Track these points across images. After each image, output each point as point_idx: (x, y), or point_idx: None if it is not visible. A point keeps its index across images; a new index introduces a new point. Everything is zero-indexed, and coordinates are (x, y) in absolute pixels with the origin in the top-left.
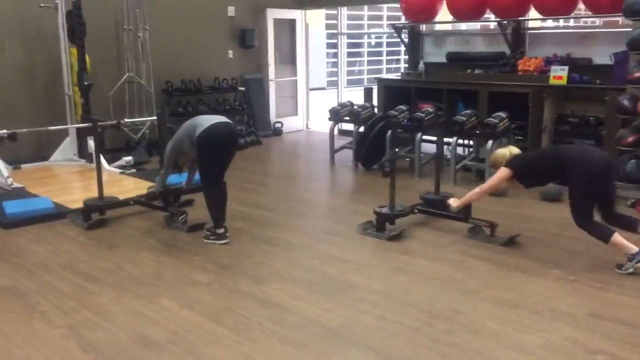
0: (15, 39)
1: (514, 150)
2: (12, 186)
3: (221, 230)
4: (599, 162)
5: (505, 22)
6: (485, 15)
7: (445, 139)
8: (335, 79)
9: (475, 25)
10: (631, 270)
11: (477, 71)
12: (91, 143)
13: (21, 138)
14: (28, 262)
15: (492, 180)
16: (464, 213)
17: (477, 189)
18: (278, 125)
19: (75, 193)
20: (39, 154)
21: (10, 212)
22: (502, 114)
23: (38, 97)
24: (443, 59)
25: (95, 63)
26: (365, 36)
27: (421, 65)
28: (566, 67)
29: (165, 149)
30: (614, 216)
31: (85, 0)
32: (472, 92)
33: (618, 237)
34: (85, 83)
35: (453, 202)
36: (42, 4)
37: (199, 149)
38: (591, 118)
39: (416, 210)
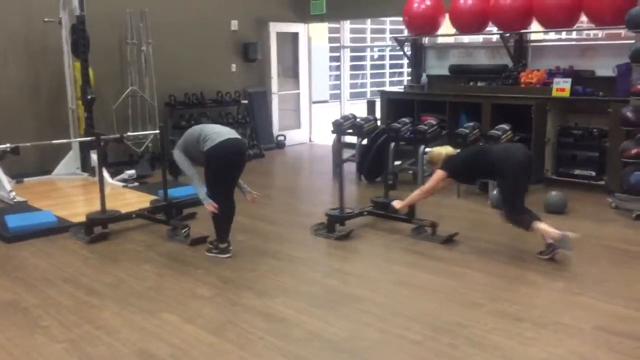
0: (20, 54)
1: (449, 149)
2: (15, 200)
3: (224, 245)
4: (524, 158)
5: (508, 34)
6: (488, 28)
7: None
8: (338, 92)
9: (478, 38)
10: (545, 257)
11: (479, 84)
12: (94, 157)
13: (25, 152)
14: (30, 276)
15: (430, 182)
16: (409, 215)
17: (418, 190)
18: (281, 138)
19: (77, 207)
20: (42, 168)
21: (13, 226)
22: (506, 126)
23: (42, 111)
24: (446, 72)
25: (99, 77)
26: (368, 49)
27: (424, 78)
28: (569, 79)
29: (175, 160)
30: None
31: (89, 15)
32: (475, 105)
33: (538, 224)
34: (89, 97)
35: (397, 204)
36: (46, 19)
37: (209, 163)
38: (595, 130)
39: (365, 213)
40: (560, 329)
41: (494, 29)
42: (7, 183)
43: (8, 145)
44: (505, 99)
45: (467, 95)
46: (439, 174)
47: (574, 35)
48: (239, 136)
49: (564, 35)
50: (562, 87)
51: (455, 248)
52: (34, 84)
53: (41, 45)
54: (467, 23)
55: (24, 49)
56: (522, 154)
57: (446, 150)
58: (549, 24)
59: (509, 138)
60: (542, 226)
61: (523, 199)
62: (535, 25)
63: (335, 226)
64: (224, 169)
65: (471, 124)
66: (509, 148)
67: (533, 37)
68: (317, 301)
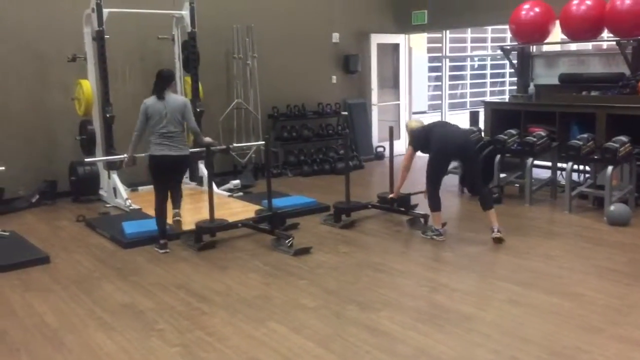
0: (136, 70)
1: (417, 123)
2: (131, 207)
3: (163, 241)
4: (453, 141)
5: (625, 41)
6: (602, 35)
7: (559, 164)
8: (437, 102)
9: (587, 45)
10: (428, 237)
11: (593, 93)
12: (202, 167)
13: (138, 161)
14: (145, 281)
15: (403, 160)
16: (407, 207)
17: (399, 173)
18: (380, 149)
19: (186, 215)
20: None
21: (129, 232)
22: (624, 138)
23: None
24: (555, 81)
25: (207, 90)
26: (468, 59)
27: (531, 88)
28: None
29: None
30: (476, 189)
31: (199, 32)
32: (588, 116)
33: (438, 215)
34: (198, 110)
35: (393, 195)
36: (160, 36)
37: (150, 169)
38: None
39: (370, 206)
40: None
41: (610, 35)
42: (124, 191)
43: (125, 155)
44: (622, 109)
45: (580, 105)
46: (408, 151)
47: None
48: (175, 151)
49: None
50: None
51: (570, 267)
52: (147, 97)
53: (155, 61)
54: (580, 30)
55: (140, 65)
56: (453, 138)
57: (412, 124)
58: None
59: (628, 151)
60: (437, 216)
61: (439, 177)
62: None
63: (341, 217)
64: (162, 177)
65: (585, 135)
66: (451, 130)
67: None
68: (422, 317)
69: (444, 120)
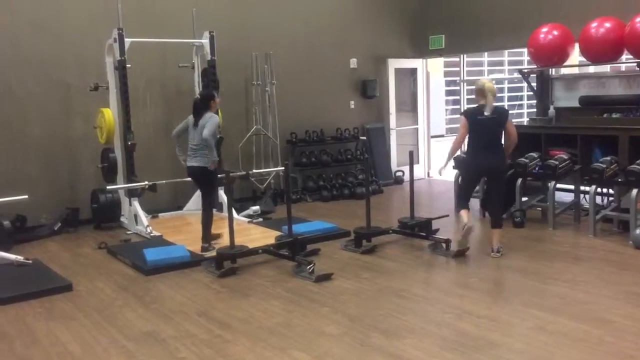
0: (157, 97)
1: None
2: (152, 234)
3: (205, 245)
4: (480, 164)
5: None
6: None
7: (582, 188)
8: (455, 125)
9: (606, 68)
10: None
11: (614, 115)
12: (222, 193)
13: (159, 188)
14: (167, 308)
15: (459, 131)
16: (428, 232)
17: (452, 144)
18: (399, 173)
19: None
20: (175, 204)
21: (151, 260)
22: None
23: (175, 150)
24: (575, 104)
25: (226, 117)
26: None
27: (551, 111)
28: None
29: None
30: (490, 208)
31: (219, 59)
32: (610, 138)
33: (465, 213)
34: (218, 137)
35: (440, 170)
36: (180, 64)
37: None
38: None
39: (391, 231)
40: None
41: (630, 57)
42: (145, 218)
43: (146, 182)
44: None
45: (602, 127)
46: (462, 120)
47: None
48: (195, 162)
49: None
50: None
51: (597, 292)
52: (168, 124)
53: (175, 89)
54: (600, 52)
55: (161, 93)
56: (481, 161)
57: (487, 84)
58: None
59: None
60: (464, 215)
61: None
62: None
63: (362, 242)
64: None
65: (608, 158)
66: (487, 150)
67: None
68: (448, 344)
69: (490, 120)
